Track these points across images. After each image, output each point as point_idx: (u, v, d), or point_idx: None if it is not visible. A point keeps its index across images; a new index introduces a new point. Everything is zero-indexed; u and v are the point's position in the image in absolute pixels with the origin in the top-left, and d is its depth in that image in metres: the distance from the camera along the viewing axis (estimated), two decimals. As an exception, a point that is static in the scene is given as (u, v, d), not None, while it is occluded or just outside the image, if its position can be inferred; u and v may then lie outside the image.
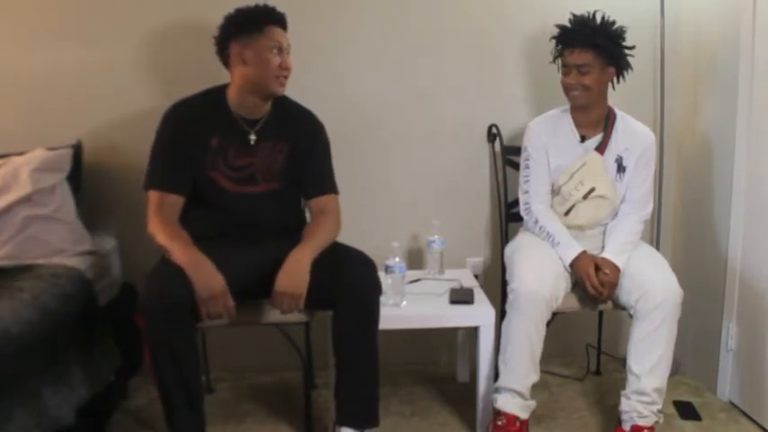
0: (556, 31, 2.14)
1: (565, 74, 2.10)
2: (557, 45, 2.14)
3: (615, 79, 2.12)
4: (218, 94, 1.99)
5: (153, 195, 1.91)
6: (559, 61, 2.15)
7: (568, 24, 2.10)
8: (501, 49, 2.49)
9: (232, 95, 1.97)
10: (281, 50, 1.92)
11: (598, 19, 2.07)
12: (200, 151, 1.94)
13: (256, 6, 1.95)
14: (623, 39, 2.08)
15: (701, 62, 2.40)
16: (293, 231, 2.07)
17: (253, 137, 1.98)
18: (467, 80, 2.50)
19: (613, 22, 2.07)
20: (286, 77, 1.95)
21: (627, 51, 2.09)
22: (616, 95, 2.16)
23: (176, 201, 1.93)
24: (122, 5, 2.36)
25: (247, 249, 1.94)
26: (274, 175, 2.01)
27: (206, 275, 1.74)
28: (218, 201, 1.97)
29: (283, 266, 1.81)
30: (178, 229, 1.88)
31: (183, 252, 1.78)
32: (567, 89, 2.11)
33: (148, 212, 1.89)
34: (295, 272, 1.81)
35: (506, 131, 2.48)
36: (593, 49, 2.03)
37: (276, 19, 1.94)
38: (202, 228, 1.93)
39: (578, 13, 2.11)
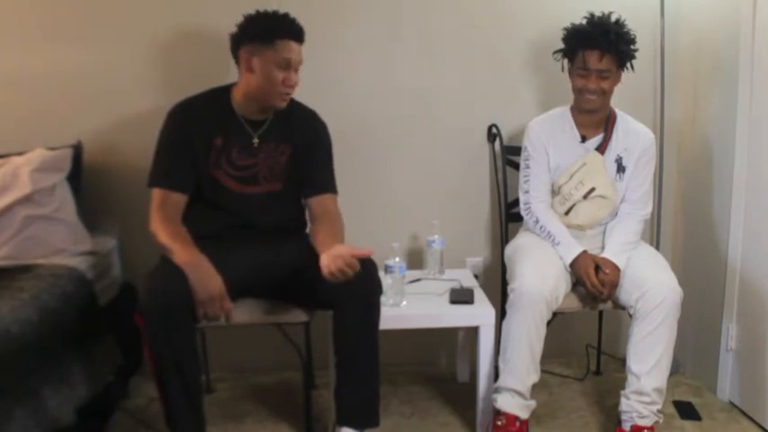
0: (565, 30, 2.12)
1: (583, 77, 2.07)
2: (571, 44, 2.10)
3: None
4: (222, 94, 1.98)
5: (156, 193, 1.91)
6: (566, 61, 2.13)
7: (586, 24, 2.07)
8: (501, 48, 2.49)
9: (237, 97, 1.96)
10: (288, 66, 1.89)
11: (613, 20, 2.05)
12: (205, 150, 1.94)
13: (275, 15, 1.90)
14: (635, 41, 2.08)
15: (702, 62, 2.40)
16: (293, 232, 2.08)
17: (256, 139, 1.97)
18: (467, 80, 2.50)
19: (626, 25, 2.06)
20: (289, 94, 1.93)
21: (635, 55, 2.09)
22: (616, 95, 2.15)
23: (179, 199, 1.92)
24: (122, 6, 2.36)
25: (248, 250, 1.94)
26: (277, 176, 2.00)
27: (204, 276, 1.73)
28: (221, 201, 1.97)
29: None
30: (179, 229, 1.88)
31: (182, 252, 1.77)
32: (582, 92, 2.08)
33: (151, 210, 1.89)
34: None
35: (506, 131, 2.48)
36: (616, 54, 2.03)
37: (291, 33, 1.89)
38: (204, 227, 1.93)
39: (580, 12, 2.11)
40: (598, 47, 2.02)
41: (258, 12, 1.91)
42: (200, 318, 1.74)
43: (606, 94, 2.08)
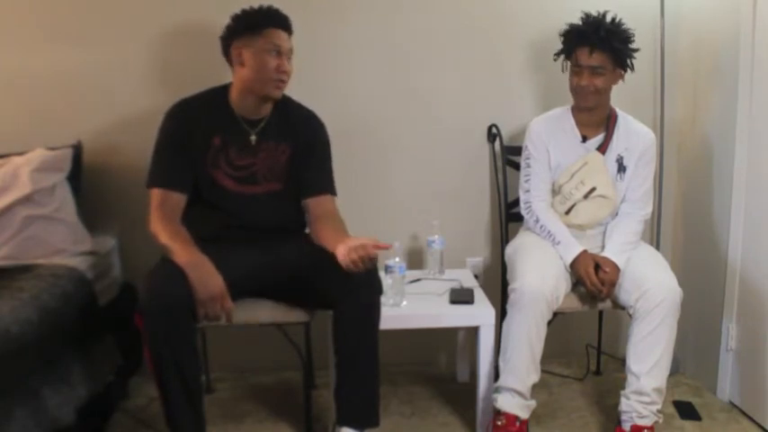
0: (562, 30, 2.13)
1: (576, 74, 2.08)
2: (567, 43, 2.12)
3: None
4: (220, 93, 1.99)
5: (155, 193, 1.91)
6: (564, 60, 2.14)
7: (580, 23, 2.08)
8: (501, 48, 2.49)
9: (234, 95, 1.97)
10: (279, 53, 1.91)
11: (608, 19, 2.06)
12: (203, 150, 1.94)
13: (260, 8, 1.94)
14: (633, 41, 2.08)
15: (701, 62, 2.40)
16: (293, 233, 2.08)
17: (253, 137, 1.97)
18: (467, 80, 2.50)
19: (623, 24, 2.07)
20: (284, 81, 1.94)
21: (633, 54, 2.10)
22: (617, 95, 2.16)
23: (178, 199, 1.92)
24: (122, 6, 2.36)
25: (248, 250, 1.94)
26: (276, 176, 2.00)
27: (205, 276, 1.73)
28: (219, 200, 1.97)
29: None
30: (179, 229, 1.88)
31: (183, 252, 1.77)
32: (577, 90, 2.09)
33: (150, 210, 1.89)
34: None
35: (506, 131, 2.48)
36: (609, 51, 2.03)
37: (277, 22, 1.93)
38: (203, 228, 1.93)
39: (580, 12, 2.11)
40: (588, 43, 2.04)
41: (243, 9, 1.94)
42: (200, 318, 1.74)
43: (600, 93, 2.08)
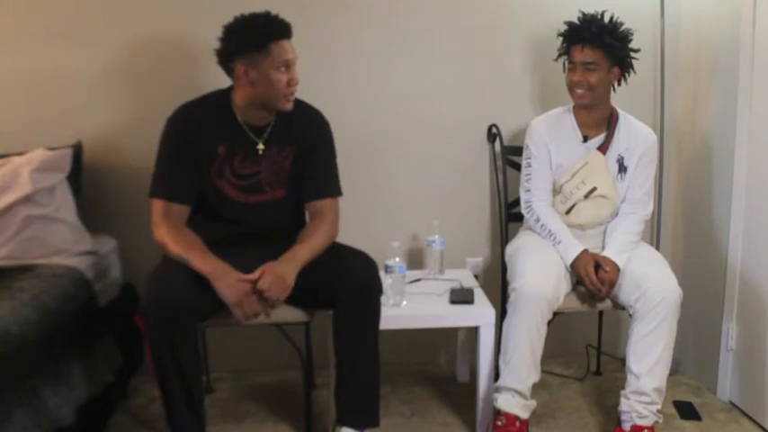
0: (560, 30, 2.14)
1: (571, 71, 2.10)
2: (564, 42, 2.14)
3: (617, 81, 2.13)
4: (222, 98, 1.93)
5: (158, 203, 1.87)
6: (565, 59, 2.15)
7: (577, 21, 2.10)
8: (501, 48, 2.49)
9: (238, 104, 1.91)
10: (288, 67, 1.84)
11: (606, 18, 2.07)
12: (208, 159, 1.90)
13: (259, 18, 1.82)
14: (630, 40, 2.09)
15: (702, 62, 2.40)
16: (293, 233, 2.07)
17: (261, 146, 1.94)
18: (467, 80, 2.50)
19: (621, 23, 2.08)
20: (293, 93, 1.89)
21: (632, 54, 2.10)
22: (617, 95, 2.16)
23: (182, 210, 1.90)
24: (123, 7, 2.36)
25: (249, 254, 1.92)
26: (281, 183, 1.98)
27: (233, 281, 1.75)
28: (224, 209, 1.95)
29: (272, 267, 1.79)
30: (190, 236, 1.85)
31: (203, 262, 1.76)
32: (572, 87, 2.10)
33: (153, 220, 1.86)
34: (281, 276, 1.78)
35: (506, 131, 2.48)
36: (601, 47, 2.04)
37: (281, 33, 1.83)
38: (206, 234, 1.90)
39: (579, 13, 2.11)
40: (581, 39, 2.05)
41: (237, 19, 1.84)
42: (240, 319, 1.77)
43: (594, 90, 2.08)
